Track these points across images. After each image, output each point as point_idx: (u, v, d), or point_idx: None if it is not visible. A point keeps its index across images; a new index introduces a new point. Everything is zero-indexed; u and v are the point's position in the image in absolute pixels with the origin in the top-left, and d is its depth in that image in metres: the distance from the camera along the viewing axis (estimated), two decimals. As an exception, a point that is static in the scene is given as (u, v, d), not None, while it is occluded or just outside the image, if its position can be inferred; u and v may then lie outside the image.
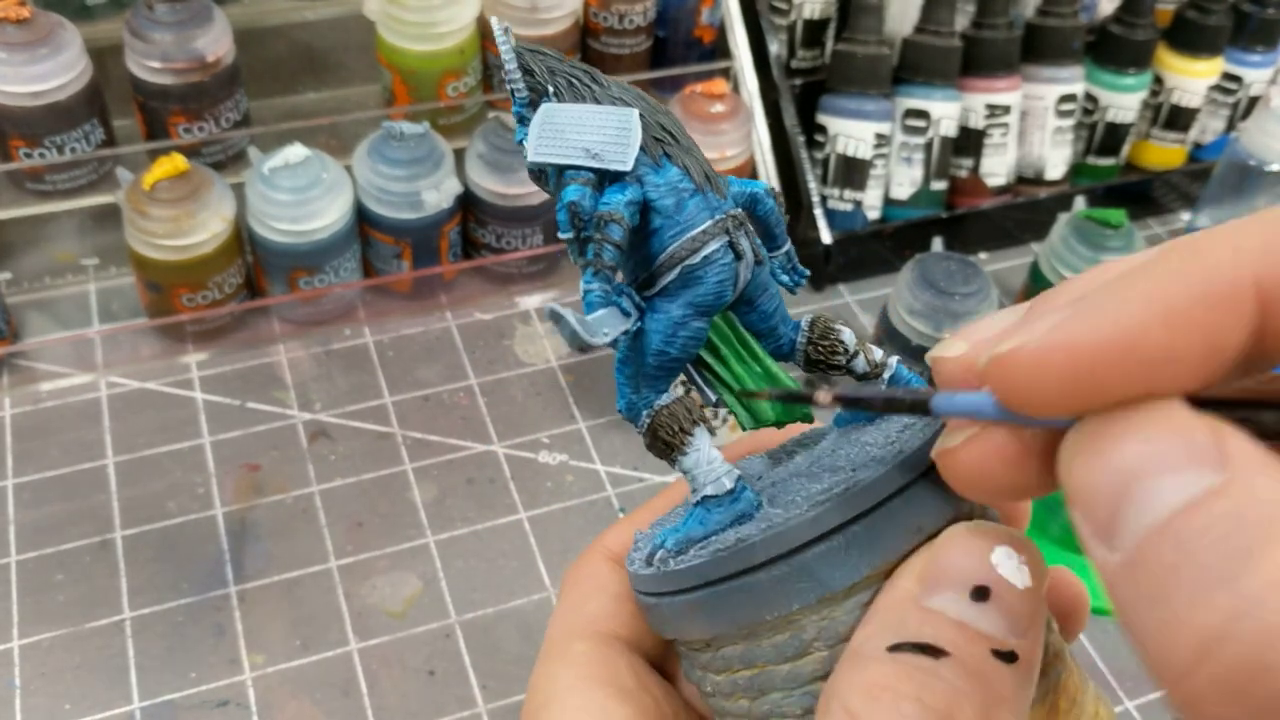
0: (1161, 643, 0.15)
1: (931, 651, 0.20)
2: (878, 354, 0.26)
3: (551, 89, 0.23)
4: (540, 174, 0.24)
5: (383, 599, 0.65)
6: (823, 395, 0.22)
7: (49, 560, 0.65)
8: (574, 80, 0.24)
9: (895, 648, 0.20)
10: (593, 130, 0.23)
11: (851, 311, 0.86)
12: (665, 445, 0.24)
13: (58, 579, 0.64)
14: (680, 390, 0.25)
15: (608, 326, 0.22)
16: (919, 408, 0.20)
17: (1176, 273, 0.16)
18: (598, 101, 0.23)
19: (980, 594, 0.20)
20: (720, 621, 0.23)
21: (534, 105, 0.24)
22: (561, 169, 0.23)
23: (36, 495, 0.68)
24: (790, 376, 0.26)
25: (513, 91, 0.24)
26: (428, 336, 0.80)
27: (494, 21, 0.24)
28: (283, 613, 0.64)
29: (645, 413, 0.24)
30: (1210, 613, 0.14)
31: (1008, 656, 0.20)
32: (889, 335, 0.74)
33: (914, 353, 0.73)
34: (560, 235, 0.23)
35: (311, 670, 0.61)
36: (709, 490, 0.23)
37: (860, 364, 0.26)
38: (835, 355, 0.26)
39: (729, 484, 0.24)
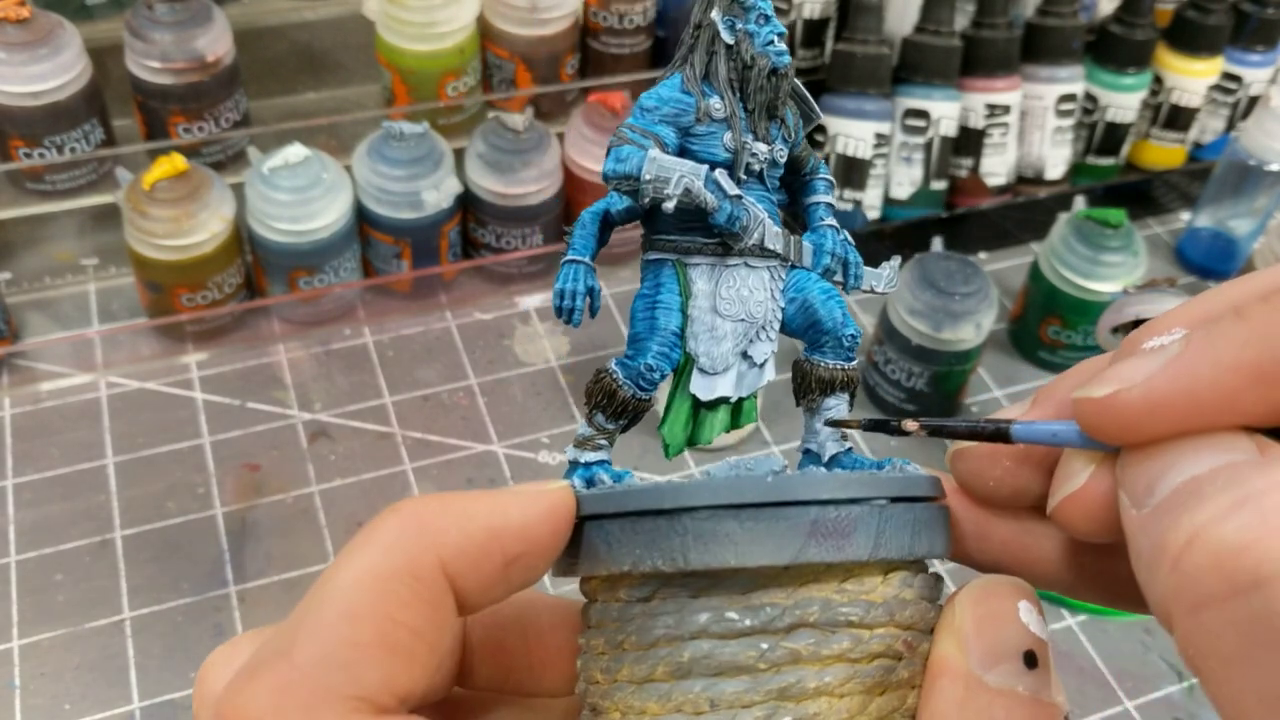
0: (1161, 542, 0.18)
1: None
2: None
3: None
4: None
5: (383, 599, 0.65)
6: (909, 423, 0.23)
7: (49, 560, 0.65)
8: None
9: None
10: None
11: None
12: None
13: (58, 579, 0.64)
14: None
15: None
16: (1000, 436, 0.22)
17: (1265, 337, 0.18)
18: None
19: (1031, 660, 0.21)
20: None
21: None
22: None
23: (36, 495, 0.68)
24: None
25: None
26: (428, 336, 0.81)
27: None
28: (282, 613, 0.63)
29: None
30: (1199, 513, 0.17)
31: (1068, 718, 0.21)
32: (889, 335, 0.74)
33: (914, 353, 0.73)
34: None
35: (311, 670, 0.61)
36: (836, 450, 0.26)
37: None
38: None
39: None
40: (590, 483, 0.25)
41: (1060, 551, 0.23)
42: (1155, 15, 0.91)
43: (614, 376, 0.25)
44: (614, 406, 0.25)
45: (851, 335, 0.26)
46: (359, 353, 0.79)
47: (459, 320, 0.82)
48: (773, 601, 0.22)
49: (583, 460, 0.25)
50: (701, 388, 0.26)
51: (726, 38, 0.25)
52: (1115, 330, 0.68)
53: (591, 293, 0.25)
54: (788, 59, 0.25)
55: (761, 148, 0.25)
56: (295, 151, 0.74)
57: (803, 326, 0.26)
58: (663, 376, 0.25)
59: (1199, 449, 0.18)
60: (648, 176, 0.24)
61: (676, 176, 0.24)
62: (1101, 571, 0.23)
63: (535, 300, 0.84)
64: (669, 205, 0.24)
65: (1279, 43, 0.93)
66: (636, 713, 0.22)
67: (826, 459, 0.26)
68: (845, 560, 0.22)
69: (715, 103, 0.25)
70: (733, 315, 0.26)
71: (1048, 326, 0.81)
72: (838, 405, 0.26)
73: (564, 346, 0.80)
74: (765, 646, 0.22)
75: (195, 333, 0.77)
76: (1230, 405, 0.18)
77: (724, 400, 0.26)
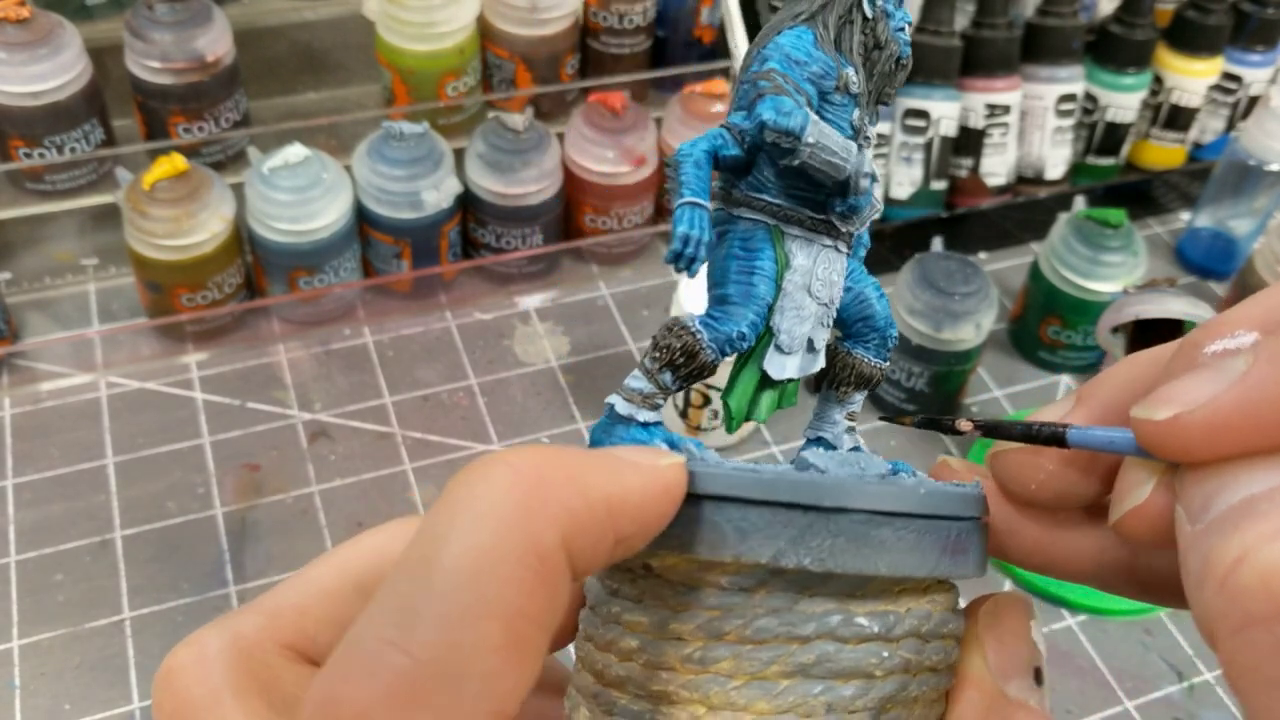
0: (1210, 559, 0.17)
1: None
2: None
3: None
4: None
5: (383, 599, 0.65)
6: (964, 423, 0.23)
7: (49, 560, 0.65)
8: None
9: None
10: None
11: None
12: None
13: (58, 579, 0.64)
14: None
15: None
16: (1055, 440, 0.21)
17: None
18: None
19: (1039, 676, 0.22)
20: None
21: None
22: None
23: (36, 495, 0.68)
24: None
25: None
26: (427, 336, 0.81)
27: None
28: (283, 613, 0.64)
29: None
30: (1249, 532, 0.17)
31: None
32: (889, 335, 0.74)
33: (914, 353, 0.73)
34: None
35: (311, 670, 0.61)
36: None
37: None
38: None
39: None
40: (673, 447, 0.23)
41: (1095, 551, 0.24)
42: (1155, 15, 0.90)
43: (698, 337, 0.23)
44: (691, 368, 0.23)
45: (894, 337, 0.25)
46: (359, 353, 0.79)
47: (459, 320, 0.82)
48: (887, 609, 0.22)
49: (640, 419, 0.23)
50: (775, 365, 0.24)
51: (868, 10, 0.23)
52: (1115, 330, 0.68)
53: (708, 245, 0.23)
54: (909, 51, 0.24)
55: (874, 132, 0.24)
56: (295, 151, 0.74)
57: (855, 318, 0.25)
58: (746, 348, 0.24)
59: (1258, 468, 0.18)
60: (810, 140, 0.22)
61: (862, 159, 0.23)
62: (1137, 570, 0.23)
63: (535, 300, 0.84)
64: (847, 183, 0.22)
65: (1279, 43, 0.93)
66: (737, 709, 0.21)
67: (845, 451, 0.26)
68: (961, 575, 0.23)
69: (852, 75, 0.23)
70: (821, 298, 0.24)
71: (1048, 326, 0.81)
72: (859, 400, 0.26)
73: (564, 346, 0.80)
74: (885, 654, 0.22)
75: (195, 333, 0.77)
76: None
77: (789, 381, 0.25)
